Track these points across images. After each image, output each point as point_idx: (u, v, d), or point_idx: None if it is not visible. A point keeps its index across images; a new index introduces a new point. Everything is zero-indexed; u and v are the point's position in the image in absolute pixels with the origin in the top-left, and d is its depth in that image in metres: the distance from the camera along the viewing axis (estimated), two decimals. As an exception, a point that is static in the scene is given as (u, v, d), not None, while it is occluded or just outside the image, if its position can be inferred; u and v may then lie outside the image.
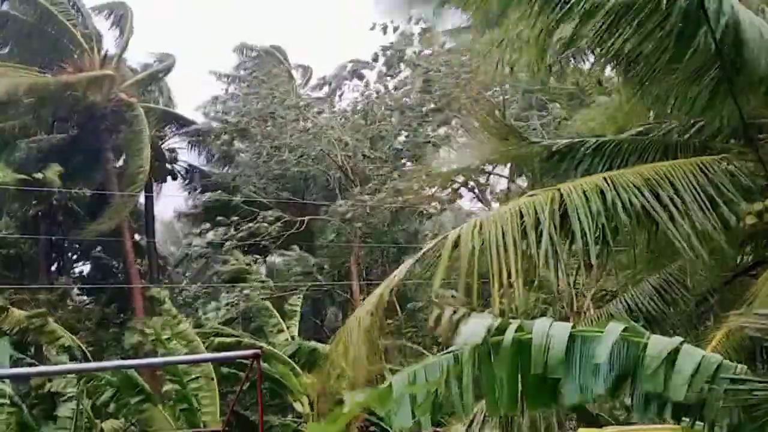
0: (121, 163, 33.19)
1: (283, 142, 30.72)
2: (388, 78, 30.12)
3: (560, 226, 5.45)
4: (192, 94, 53.50)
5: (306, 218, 29.45)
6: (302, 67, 36.33)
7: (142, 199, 35.32)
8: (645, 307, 8.56)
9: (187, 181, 35.72)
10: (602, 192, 5.59)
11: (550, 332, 4.20)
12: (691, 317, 8.32)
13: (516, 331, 4.22)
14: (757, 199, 6.89)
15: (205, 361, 16.25)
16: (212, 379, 17.47)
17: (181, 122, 35.45)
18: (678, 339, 4.25)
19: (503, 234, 5.34)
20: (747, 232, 7.12)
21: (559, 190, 5.62)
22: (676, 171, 5.84)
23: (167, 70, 34.65)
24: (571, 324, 4.47)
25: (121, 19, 33.02)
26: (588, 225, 5.37)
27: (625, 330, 4.18)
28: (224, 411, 17.62)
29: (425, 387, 3.84)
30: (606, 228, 5.53)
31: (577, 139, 7.62)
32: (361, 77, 31.58)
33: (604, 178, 5.71)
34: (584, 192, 5.49)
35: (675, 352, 4.09)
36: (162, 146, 33.86)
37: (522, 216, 5.47)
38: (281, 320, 23.32)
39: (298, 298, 26.05)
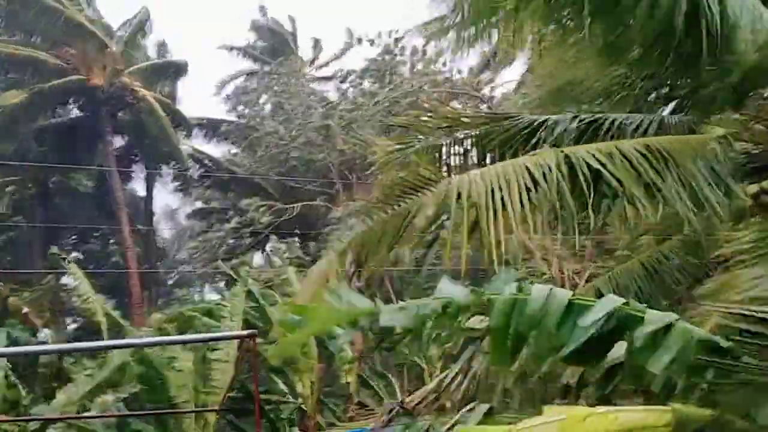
0: (122, 146, 33.30)
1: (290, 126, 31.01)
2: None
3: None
4: (198, 84, 53.96)
5: (297, 205, 29.38)
6: (313, 41, 36.77)
7: (141, 185, 35.44)
8: (635, 286, 8.53)
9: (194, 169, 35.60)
10: (611, 155, 5.41)
11: (550, 295, 4.15)
12: (681, 301, 8.27)
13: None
14: (754, 181, 6.88)
15: (200, 341, 16.18)
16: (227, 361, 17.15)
17: (184, 120, 35.04)
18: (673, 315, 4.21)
19: (508, 186, 5.12)
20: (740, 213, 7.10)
21: (562, 151, 5.47)
22: (681, 146, 5.70)
23: (177, 67, 34.47)
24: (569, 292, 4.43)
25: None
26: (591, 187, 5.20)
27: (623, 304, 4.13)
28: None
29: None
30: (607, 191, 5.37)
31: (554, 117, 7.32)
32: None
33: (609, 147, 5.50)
34: (592, 154, 5.33)
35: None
36: (166, 134, 33.68)
37: (528, 171, 5.21)
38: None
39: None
